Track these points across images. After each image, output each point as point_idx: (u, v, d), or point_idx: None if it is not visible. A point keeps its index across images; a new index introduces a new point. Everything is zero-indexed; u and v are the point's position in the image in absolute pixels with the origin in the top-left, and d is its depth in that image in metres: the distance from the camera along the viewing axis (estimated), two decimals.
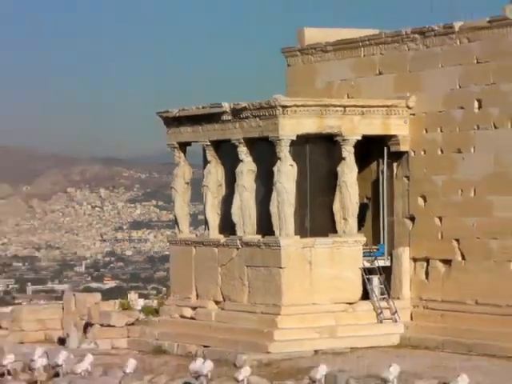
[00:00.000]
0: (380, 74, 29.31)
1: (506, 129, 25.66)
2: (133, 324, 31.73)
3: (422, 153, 27.59)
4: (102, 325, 30.48)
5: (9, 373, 24.66)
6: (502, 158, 25.72)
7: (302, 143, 27.67)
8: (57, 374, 24.48)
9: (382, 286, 27.99)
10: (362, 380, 21.96)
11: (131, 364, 23.47)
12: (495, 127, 25.65)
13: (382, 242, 28.77)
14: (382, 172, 28.73)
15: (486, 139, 26.30)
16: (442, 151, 27.00)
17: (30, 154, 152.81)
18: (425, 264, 27.74)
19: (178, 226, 31.80)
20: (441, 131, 27.38)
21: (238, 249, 28.33)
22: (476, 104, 25.92)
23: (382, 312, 27.15)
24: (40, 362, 24.92)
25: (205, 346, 26.74)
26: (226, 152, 29.64)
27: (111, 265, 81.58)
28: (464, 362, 23.86)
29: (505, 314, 24.87)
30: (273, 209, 26.81)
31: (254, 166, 28.48)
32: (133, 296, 44.77)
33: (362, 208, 28.65)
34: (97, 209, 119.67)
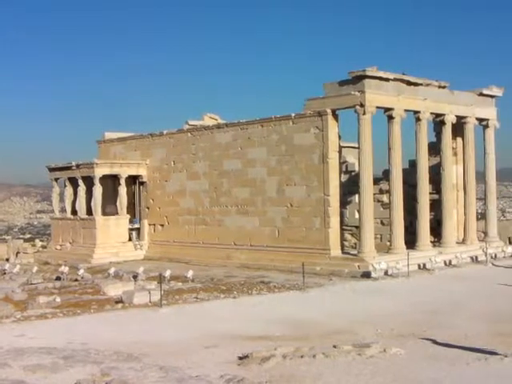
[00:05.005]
0: (135, 150, 49.18)
1: (182, 173, 45.31)
2: (37, 252, 49.82)
3: (152, 181, 47.73)
4: (23, 252, 48.52)
5: None
6: (183, 185, 45.46)
7: (104, 178, 47.02)
8: (4, 273, 37.63)
9: (136, 235, 48.04)
10: (128, 273, 34.75)
11: (35, 268, 38.22)
12: (180, 172, 45.72)
13: (136, 217, 48.83)
14: (137, 190, 48.92)
15: (175, 177, 45.70)
16: (159, 181, 47.08)
17: None
18: (153, 226, 47.46)
19: (54, 211, 51.06)
20: (159, 173, 46.82)
21: (78, 221, 48.03)
22: (172, 163, 45.82)
23: (136, 245, 47.54)
24: None
25: (65, 261, 41.20)
26: (73, 182, 49.10)
27: (30, 228, 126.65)
28: (168, 264, 39.05)
29: (182, 245, 44.09)
30: (91, 204, 46.69)
31: (84, 188, 47.62)
32: (37, 242, 54.84)
33: (129, 204, 47.84)
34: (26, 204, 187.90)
